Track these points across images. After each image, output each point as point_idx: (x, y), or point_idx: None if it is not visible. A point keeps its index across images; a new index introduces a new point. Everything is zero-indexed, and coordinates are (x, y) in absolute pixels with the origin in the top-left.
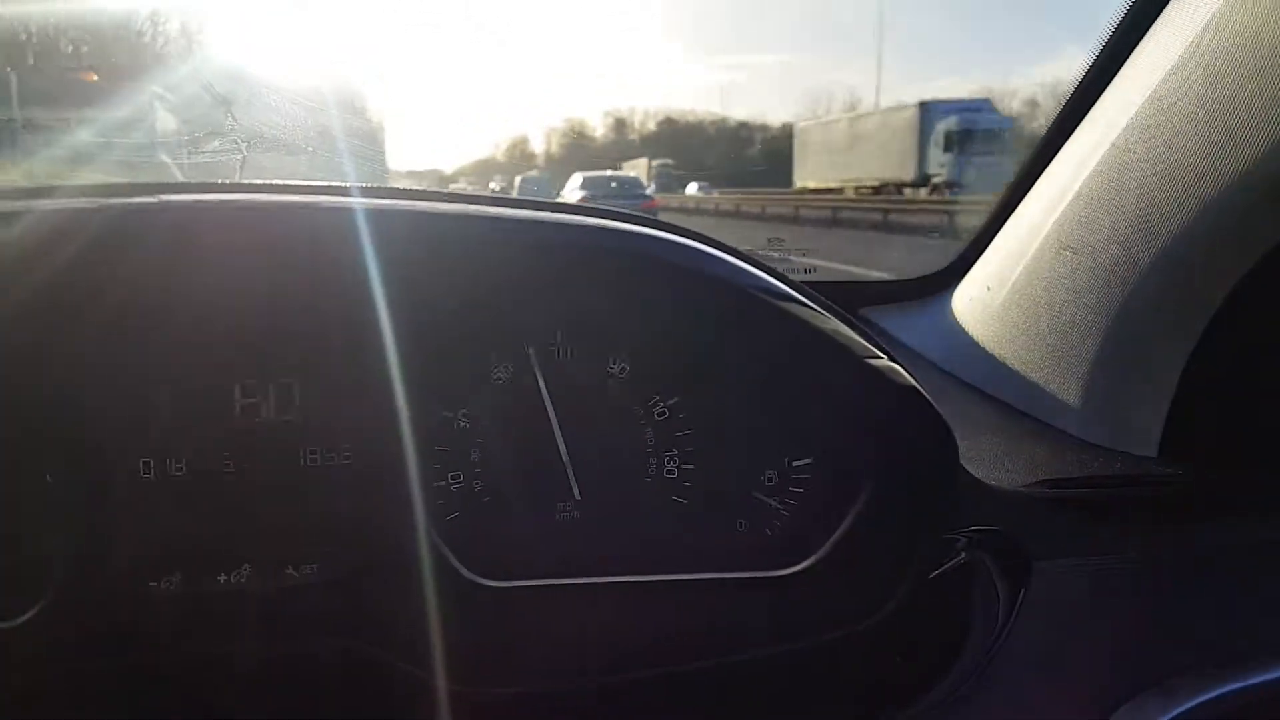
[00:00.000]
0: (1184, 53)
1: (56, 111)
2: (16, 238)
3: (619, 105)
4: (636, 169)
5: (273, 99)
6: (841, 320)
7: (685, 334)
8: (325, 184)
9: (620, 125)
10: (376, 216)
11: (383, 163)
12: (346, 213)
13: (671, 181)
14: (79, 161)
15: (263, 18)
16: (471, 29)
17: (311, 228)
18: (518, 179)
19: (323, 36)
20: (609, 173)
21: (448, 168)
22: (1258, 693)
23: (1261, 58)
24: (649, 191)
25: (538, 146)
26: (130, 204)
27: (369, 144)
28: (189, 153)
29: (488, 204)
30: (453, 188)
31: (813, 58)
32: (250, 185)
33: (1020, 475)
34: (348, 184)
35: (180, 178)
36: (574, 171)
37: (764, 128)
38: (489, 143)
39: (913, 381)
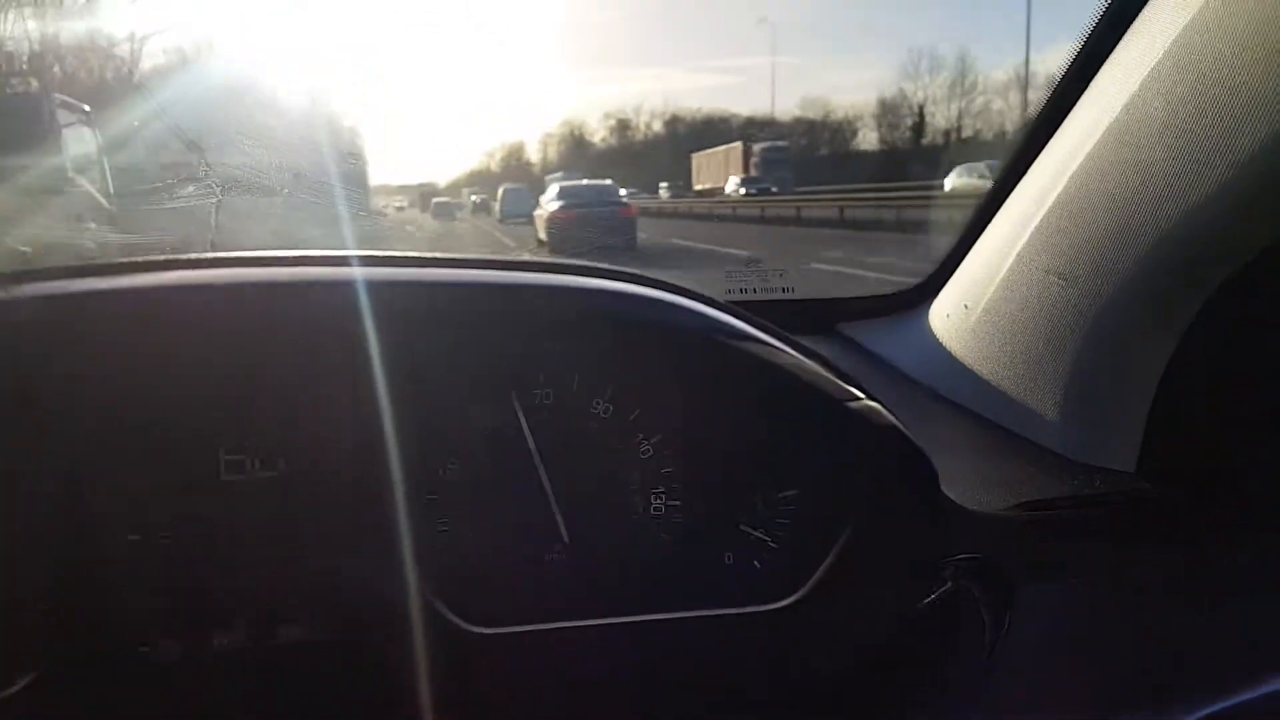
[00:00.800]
0: (1154, 67)
1: (22, 156)
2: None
3: (620, 108)
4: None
5: (244, 142)
6: (815, 359)
7: (662, 380)
8: (300, 254)
9: (623, 129)
10: (359, 286)
11: (364, 189)
12: (331, 284)
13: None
14: (42, 206)
15: (235, 54)
16: (467, 31)
17: (293, 299)
18: (500, 189)
19: (299, 60)
20: (585, 182)
21: (441, 179)
22: (1246, 711)
23: (1230, 70)
24: (624, 199)
25: (534, 154)
26: (117, 288)
27: (348, 172)
28: (165, 198)
29: (464, 267)
30: (435, 201)
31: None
32: (225, 259)
33: (1000, 496)
34: (323, 253)
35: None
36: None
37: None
38: (482, 152)
39: (892, 420)
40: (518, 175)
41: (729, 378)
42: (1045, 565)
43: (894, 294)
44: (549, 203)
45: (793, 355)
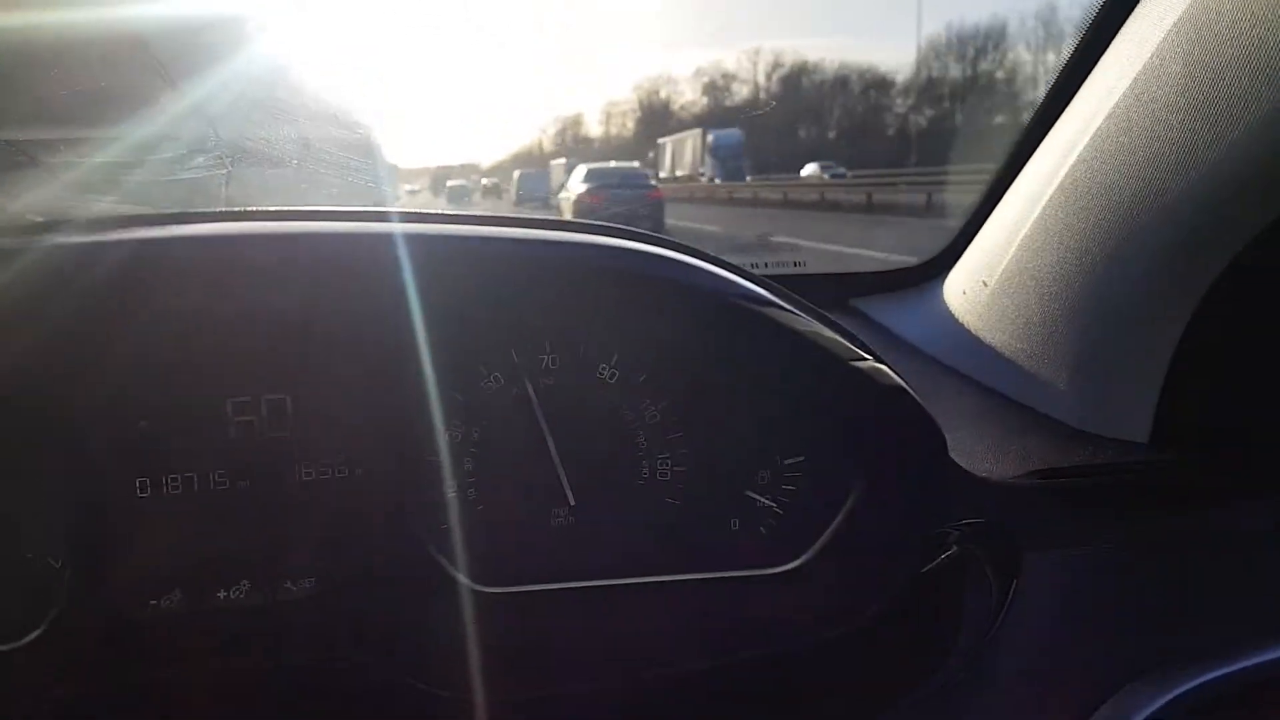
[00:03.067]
0: (1164, 39)
1: (36, 133)
2: (22, 273)
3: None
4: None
5: (255, 114)
6: (824, 322)
7: (672, 339)
8: (320, 209)
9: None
10: (372, 239)
11: (374, 169)
12: (345, 236)
13: None
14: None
15: (247, 27)
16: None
17: (309, 252)
18: (515, 173)
19: (312, 43)
20: (613, 164)
21: (486, 160)
22: (1252, 677)
23: (1241, 43)
24: (653, 182)
25: (594, 131)
26: (136, 238)
27: (360, 153)
28: (175, 169)
29: (474, 223)
30: (449, 185)
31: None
32: (245, 213)
33: (1011, 465)
34: (342, 208)
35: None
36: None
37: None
38: (537, 128)
39: (899, 381)
40: (580, 155)
41: (738, 337)
42: (1054, 532)
43: (906, 269)
44: (576, 185)
45: (801, 316)
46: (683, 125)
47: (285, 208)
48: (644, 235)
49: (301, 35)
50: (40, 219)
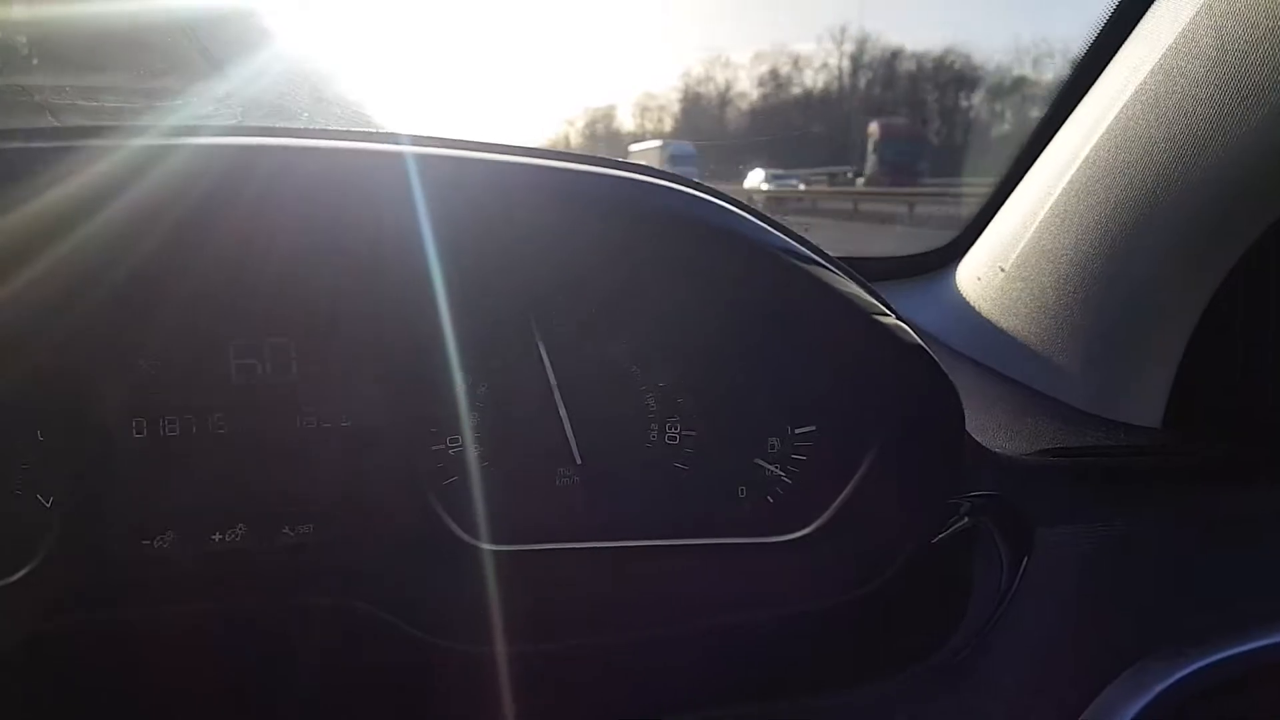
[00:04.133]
0: (1194, 17)
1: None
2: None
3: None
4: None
5: (274, 65)
6: (846, 274)
7: (692, 293)
8: (330, 129)
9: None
10: (389, 156)
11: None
12: (360, 153)
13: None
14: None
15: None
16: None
17: (342, 174)
18: None
19: (326, 24)
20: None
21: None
22: (1261, 658)
23: (1272, 21)
24: None
25: (627, 122)
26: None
27: (367, 110)
28: (185, 117)
29: (499, 151)
30: None
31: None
32: (267, 129)
33: (1024, 444)
34: (359, 129)
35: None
36: None
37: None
38: (564, 120)
39: (918, 340)
40: (611, 150)
41: (758, 282)
42: (1066, 510)
43: (919, 255)
44: None
45: (826, 267)
46: (728, 122)
47: (293, 126)
48: (675, 177)
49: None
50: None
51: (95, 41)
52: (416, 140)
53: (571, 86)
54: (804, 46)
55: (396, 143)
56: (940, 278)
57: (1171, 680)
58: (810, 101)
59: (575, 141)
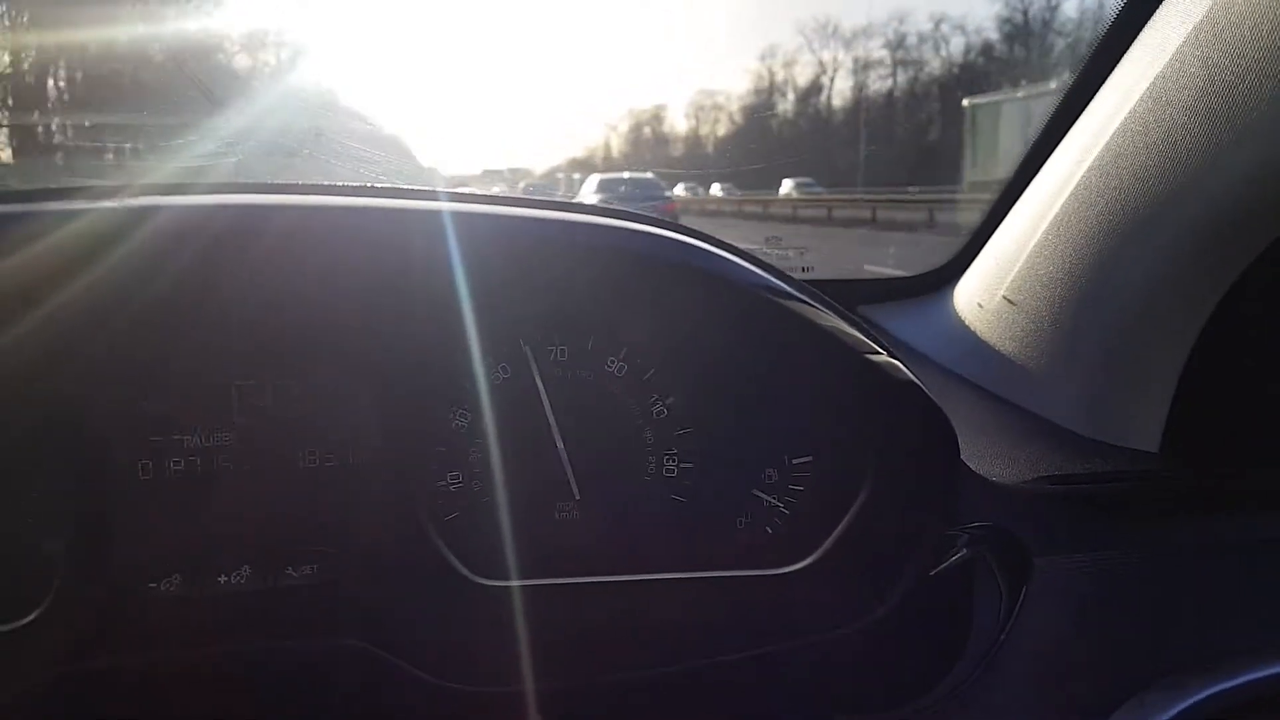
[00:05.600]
0: (1182, 44)
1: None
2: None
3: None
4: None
5: (267, 102)
6: (840, 316)
7: (685, 332)
8: (332, 185)
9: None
10: (388, 214)
11: (402, 167)
12: (358, 210)
13: None
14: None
15: (264, 18)
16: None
17: (321, 225)
18: (520, 184)
19: (340, 40)
20: (627, 175)
21: (539, 165)
22: (1262, 689)
23: (1261, 48)
24: (668, 194)
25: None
26: (148, 205)
27: (385, 148)
28: (184, 155)
29: (487, 203)
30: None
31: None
32: (259, 186)
33: (1022, 471)
34: (352, 184)
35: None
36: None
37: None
38: (608, 128)
39: (911, 376)
40: (658, 161)
41: (758, 328)
42: (1064, 538)
43: (915, 277)
44: (588, 195)
45: (821, 310)
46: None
47: (292, 183)
48: (666, 223)
49: (329, 32)
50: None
51: (97, 80)
52: (415, 194)
53: (614, 87)
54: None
55: (396, 198)
56: (936, 299)
57: (1174, 711)
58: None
59: (618, 148)
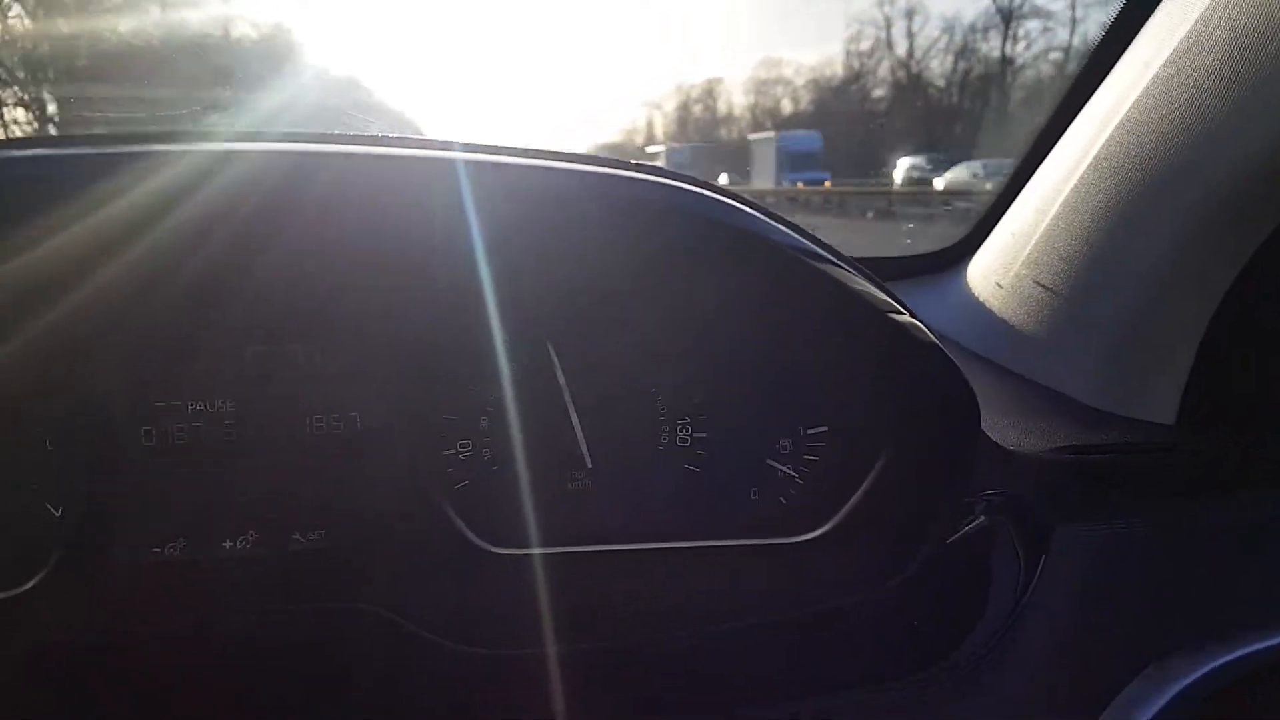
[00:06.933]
0: (1206, 11)
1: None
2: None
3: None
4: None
5: (270, 75)
6: (868, 279)
7: (708, 295)
8: (338, 134)
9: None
10: (403, 162)
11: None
12: (373, 159)
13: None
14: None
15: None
16: None
17: (369, 180)
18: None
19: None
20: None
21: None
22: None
23: None
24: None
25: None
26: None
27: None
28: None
29: (509, 154)
30: None
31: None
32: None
33: (1039, 442)
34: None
35: None
36: None
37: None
38: (611, 120)
39: (934, 339)
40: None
41: (777, 288)
42: (1081, 508)
43: (925, 255)
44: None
45: (846, 268)
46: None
47: (294, 130)
48: (693, 179)
49: (358, 17)
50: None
51: (131, 59)
52: (437, 144)
53: (660, 60)
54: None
55: (422, 148)
56: (950, 276)
57: (1194, 676)
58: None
59: (662, 129)
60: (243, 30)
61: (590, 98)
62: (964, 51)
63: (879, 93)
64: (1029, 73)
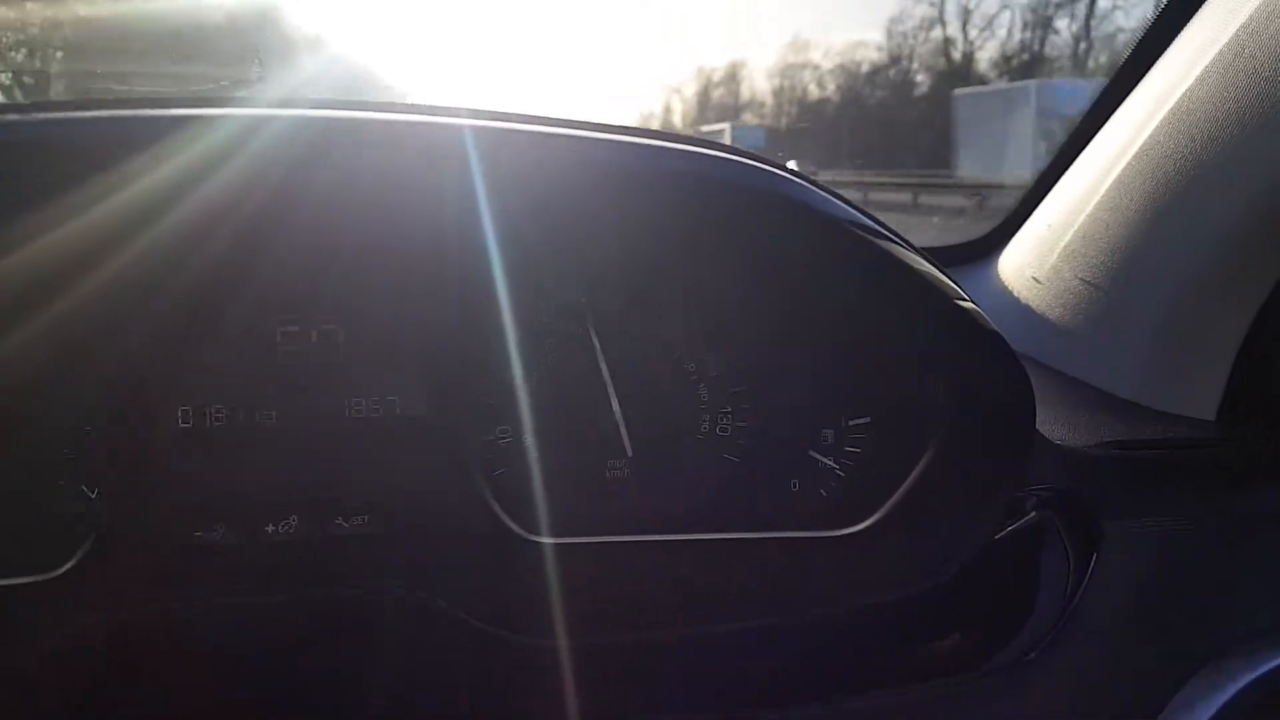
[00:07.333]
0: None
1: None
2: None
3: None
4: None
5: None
6: (931, 262)
7: (757, 276)
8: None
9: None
10: (444, 128)
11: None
12: (412, 125)
13: None
14: None
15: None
16: None
17: (400, 147)
18: None
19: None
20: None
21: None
22: None
23: None
24: None
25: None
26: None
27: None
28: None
29: (554, 125)
30: None
31: None
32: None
33: (1084, 437)
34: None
35: None
36: None
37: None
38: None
39: (996, 328)
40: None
41: (834, 269)
42: (1131, 503)
43: (961, 245)
44: None
45: (908, 247)
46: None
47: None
48: (750, 154)
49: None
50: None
51: (161, 37)
52: (478, 114)
53: (680, 41)
54: None
55: (455, 117)
56: (981, 268)
57: (1254, 676)
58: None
59: (681, 115)
60: (268, 12)
61: (606, 81)
62: (1034, 24)
63: (921, 77)
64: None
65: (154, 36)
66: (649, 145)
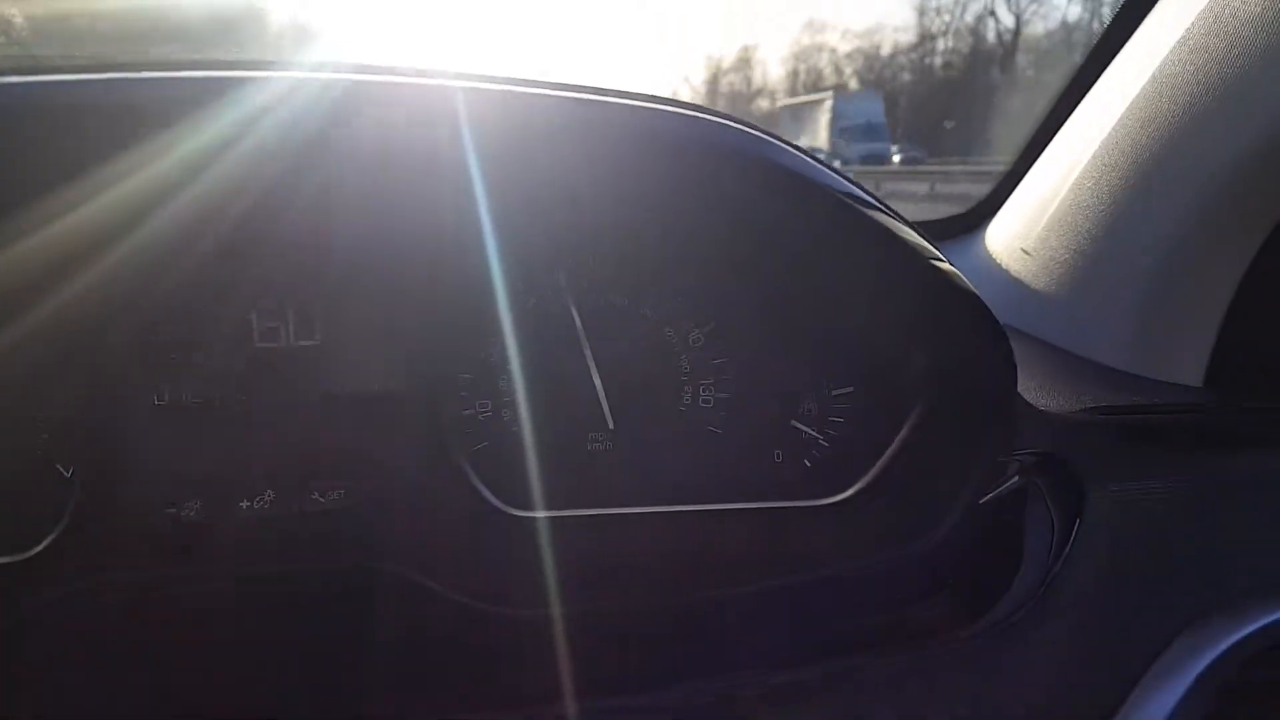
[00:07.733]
0: None
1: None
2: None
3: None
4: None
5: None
6: (910, 225)
7: (739, 244)
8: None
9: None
10: (416, 88)
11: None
12: (378, 85)
13: None
14: None
15: None
16: None
17: (376, 109)
18: None
19: None
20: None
21: None
22: None
23: None
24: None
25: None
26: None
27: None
28: None
29: (527, 84)
30: None
31: None
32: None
33: (1069, 403)
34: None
35: None
36: None
37: None
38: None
39: (974, 288)
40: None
41: (818, 235)
42: (1117, 467)
43: (948, 219)
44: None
45: (892, 214)
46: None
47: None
48: (721, 112)
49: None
50: None
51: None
52: (459, 76)
53: (689, 27)
54: None
55: (435, 79)
56: (968, 241)
57: (1238, 636)
58: None
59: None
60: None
61: (614, 70)
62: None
63: (948, 60)
64: None
65: (131, 24)
66: (612, 103)
